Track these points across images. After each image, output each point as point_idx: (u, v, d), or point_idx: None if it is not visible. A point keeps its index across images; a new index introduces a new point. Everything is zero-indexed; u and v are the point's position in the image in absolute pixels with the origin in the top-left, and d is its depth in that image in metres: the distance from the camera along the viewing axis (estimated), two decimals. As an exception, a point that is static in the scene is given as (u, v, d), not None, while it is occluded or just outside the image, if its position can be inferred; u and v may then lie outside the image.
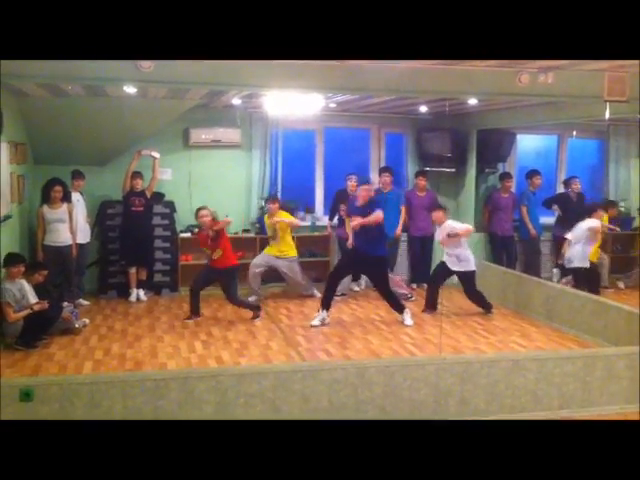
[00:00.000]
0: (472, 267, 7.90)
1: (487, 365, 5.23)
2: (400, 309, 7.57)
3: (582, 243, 8.10)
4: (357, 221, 7.17)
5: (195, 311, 7.73)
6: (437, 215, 8.01)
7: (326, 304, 7.51)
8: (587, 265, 8.13)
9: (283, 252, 8.62)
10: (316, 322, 7.44)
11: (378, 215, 7.15)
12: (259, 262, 8.65)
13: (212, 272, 7.67)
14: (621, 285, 9.41)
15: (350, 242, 7.65)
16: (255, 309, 7.83)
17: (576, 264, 8.15)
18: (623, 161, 10.53)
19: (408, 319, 7.50)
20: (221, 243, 7.56)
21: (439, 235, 8.02)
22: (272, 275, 9.02)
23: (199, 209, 7.67)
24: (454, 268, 7.88)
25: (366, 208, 7.25)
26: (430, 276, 8.42)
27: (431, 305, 8.04)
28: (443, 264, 7.97)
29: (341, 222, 8.93)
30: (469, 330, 7.39)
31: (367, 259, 7.36)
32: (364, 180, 7.83)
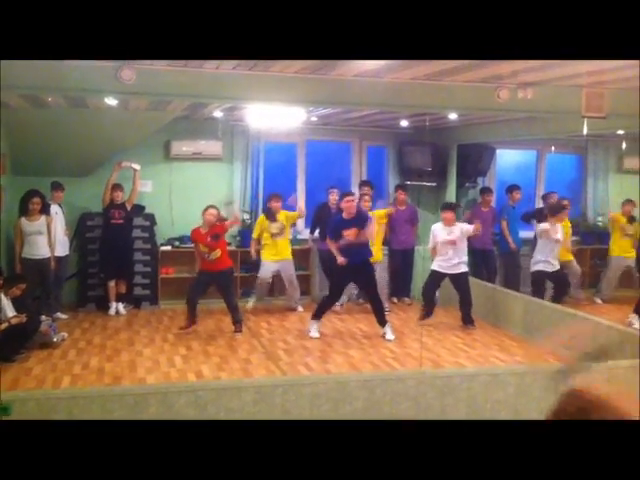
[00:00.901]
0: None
1: (467, 379, 5.23)
2: (383, 322, 7.52)
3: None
4: (360, 234, 7.23)
5: (193, 321, 7.69)
6: (449, 216, 7.88)
7: (318, 315, 7.62)
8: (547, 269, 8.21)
9: (284, 254, 8.63)
10: (315, 333, 7.54)
11: (372, 224, 7.45)
12: (267, 274, 8.61)
13: (209, 276, 7.56)
14: (598, 300, 9.44)
15: (342, 260, 7.31)
16: (239, 323, 7.73)
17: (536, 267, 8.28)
18: (601, 176, 10.66)
19: (390, 333, 7.47)
20: (221, 243, 7.57)
21: (448, 236, 7.82)
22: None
23: (208, 207, 7.65)
24: (454, 272, 7.87)
25: (357, 219, 7.28)
26: (427, 287, 8.17)
27: (430, 312, 8.08)
28: (436, 272, 7.96)
29: (323, 236, 8.89)
30: (449, 344, 7.41)
31: (361, 266, 7.35)
32: (347, 192, 7.78)
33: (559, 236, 8.11)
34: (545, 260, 8.13)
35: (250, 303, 8.58)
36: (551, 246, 8.09)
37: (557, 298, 8.11)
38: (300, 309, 8.79)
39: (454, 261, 7.85)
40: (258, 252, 8.74)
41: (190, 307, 7.66)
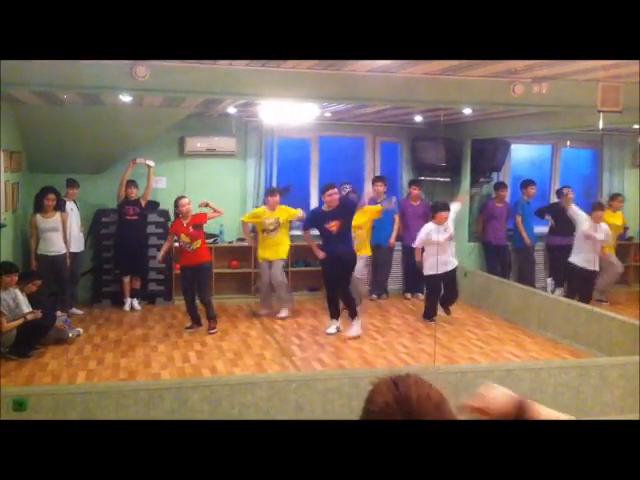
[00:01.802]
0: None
1: (481, 375, 5.22)
2: (354, 314, 7.37)
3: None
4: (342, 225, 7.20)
5: (196, 320, 7.63)
6: (445, 215, 7.75)
7: (334, 314, 7.53)
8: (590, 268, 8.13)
9: (279, 253, 8.24)
10: (332, 330, 7.49)
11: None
12: (266, 277, 8.27)
13: (191, 271, 7.50)
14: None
15: (321, 254, 7.43)
16: (212, 319, 7.59)
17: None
18: (616, 171, 10.57)
19: (356, 328, 7.36)
20: (202, 233, 7.59)
21: (445, 233, 7.72)
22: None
23: (179, 197, 7.66)
24: (449, 268, 7.81)
25: (339, 211, 7.22)
26: (432, 289, 8.05)
27: (433, 314, 7.93)
28: (434, 277, 7.77)
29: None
30: (463, 340, 7.39)
31: (343, 258, 7.28)
32: (327, 187, 7.40)
33: (601, 236, 8.09)
34: (580, 253, 8.13)
35: (263, 310, 8.39)
36: (590, 244, 8.06)
37: (583, 298, 7.98)
38: (283, 314, 8.29)
39: (449, 258, 7.81)
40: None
41: (190, 307, 7.60)
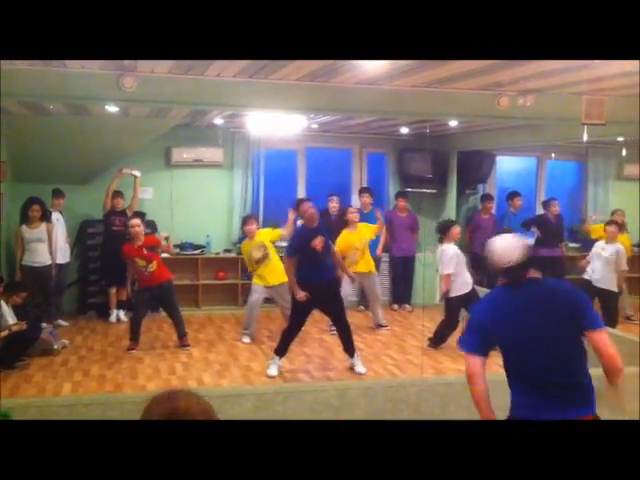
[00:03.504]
0: None
1: (469, 386, 5.22)
2: (352, 351, 6.48)
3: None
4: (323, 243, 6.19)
5: (136, 341, 7.21)
6: (457, 232, 7.29)
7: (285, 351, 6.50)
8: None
9: (278, 278, 7.47)
10: (274, 371, 6.36)
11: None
12: (259, 299, 7.72)
13: (149, 292, 7.24)
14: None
15: (301, 295, 6.15)
16: (184, 337, 7.36)
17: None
18: (602, 182, 10.67)
19: (360, 365, 6.42)
20: (156, 255, 7.32)
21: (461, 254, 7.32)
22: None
23: (130, 217, 7.47)
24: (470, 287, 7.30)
25: (321, 227, 6.38)
26: (455, 317, 7.22)
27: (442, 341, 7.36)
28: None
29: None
30: (451, 351, 7.39)
31: (325, 286, 6.26)
32: (300, 201, 6.76)
33: (605, 254, 7.77)
34: (592, 271, 7.87)
35: (246, 338, 7.70)
36: (599, 263, 7.81)
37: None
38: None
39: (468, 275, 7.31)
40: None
41: (135, 327, 7.23)
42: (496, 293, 3.38)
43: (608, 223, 8.11)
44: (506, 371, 3.28)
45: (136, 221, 7.31)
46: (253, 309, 7.71)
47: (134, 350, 7.11)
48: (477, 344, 3.19)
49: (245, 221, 7.86)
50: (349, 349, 6.47)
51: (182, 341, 7.36)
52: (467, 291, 7.13)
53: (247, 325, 7.78)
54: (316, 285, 6.17)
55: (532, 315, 3.12)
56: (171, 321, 7.48)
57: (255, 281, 7.74)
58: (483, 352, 3.18)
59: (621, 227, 8.54)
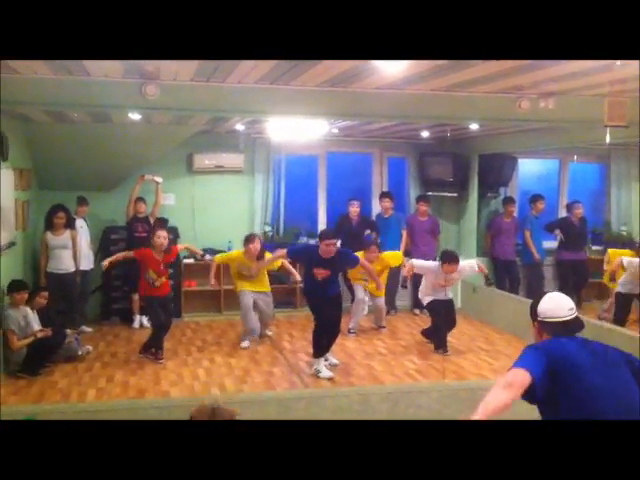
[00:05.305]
0: None
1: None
2: (328, 350, 6.78)
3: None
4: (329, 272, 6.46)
5: (162, 348, 7.20)
6: (452, 269, 7.28)
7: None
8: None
9: (263, 287, 7.91)
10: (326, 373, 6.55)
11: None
12: (250, 302, 7.79)
13: (158, 300, 7.14)
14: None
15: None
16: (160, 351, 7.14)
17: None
18: (625, 185, 10.55)
19: (326, 369, 6.59)
20: (167, 272, 7.26)
21: (449, 282, 7.41)
22: (281, 300, 9.07)
23: (158, 228, 7.29)
24: (448, 297, 7.58)
25: (334, 262, 6.53)
26: (439, 316, 7.50)
27: (444, 344, 7.47)
28: (434, 301, 7.47)
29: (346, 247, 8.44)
30: (473, 356, 7.37)
31: (332, 299, 6.64)
32: (326, 236, 6.57)
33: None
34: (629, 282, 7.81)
35: (245, 342, 7.72)
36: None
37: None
38: (269, 333, 8.17)
39: (447, 290, 7.56)
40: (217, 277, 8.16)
41: (163, 335, 7.24)
42: (552, 341, 2.99)
43: None
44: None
45: (163, 233, 7.13)
46: (247, 312, 7.75)
47: (162, 360, 7.03)
48: (535, 363, 2.78)
49: (250, 239, 7.82)
50: (326, 349, 6.71)
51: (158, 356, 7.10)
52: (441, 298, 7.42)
53: (245, 329, 7.83)
54: (320, 299, 6.60)
55: (600, 363, 2.86)
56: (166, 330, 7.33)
57: (243, 286, 7.82)
58: (534, 370, 2.73)
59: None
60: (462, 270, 7.46)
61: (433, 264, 7.60)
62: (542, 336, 3.03)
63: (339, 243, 8.98)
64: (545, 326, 3.01)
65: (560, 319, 3.00)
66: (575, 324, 3.03)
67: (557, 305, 3.05)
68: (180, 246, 7.73)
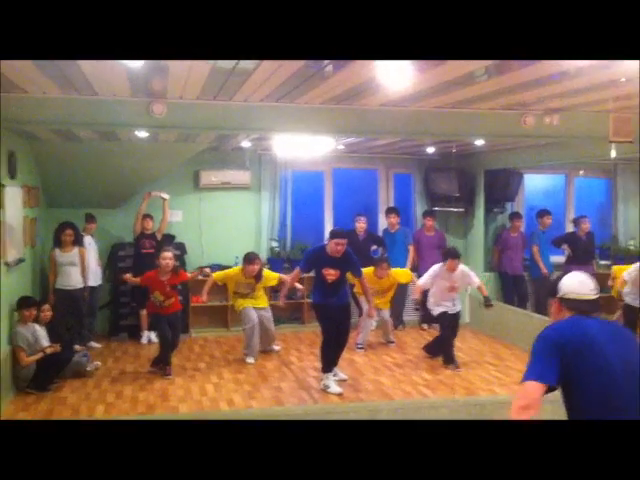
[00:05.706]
0: None
1: (500, 407, 5.19)
2: (335, 364, 6.80)
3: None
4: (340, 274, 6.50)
5: (169, 363, 7.24)
6: (454, 264, 7.43)
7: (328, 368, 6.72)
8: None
9: (262, 303, 7.99)
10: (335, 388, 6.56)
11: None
12: (255, 318, 7.80)
13: (165, 318, 7.15)
14: None
15: (283, 301, 7.06)
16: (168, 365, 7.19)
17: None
18: (631, 199, 10.55)
19: (334, 385, 6.60)
20: (175, 293, 7.27)
21: (454, 282, 7.50)
22: (286, 316, 9.09)
23: (165, 249, 7.29)
24: (457, 309, 7.67)
25: (343, 261, 6.54)
26: (449, 330, 7.56)
27: (453, 358, 7.52)
28: (445, 313, 7.54)
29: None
30: (482, 371, 7.35)
31: (342, 308, 6.68)
32: (338, 235, 6.54)
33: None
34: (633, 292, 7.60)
35: (251, 359, 7.73)
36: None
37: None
38: (276, 348, 8.22)
39: (451, 303, 7.65)
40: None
41: (171, 350, 7.27)
42: (572, 319, 2.96)
43: None
44: (577, 409, 2.94)
45: (168, 254, 7.14)
46: (255, 328, 7.76)
47: (170, 375, 7.08)
48: (546, 372, 2.81)
49: (251, 260, 7.83)
50: (334, 363, 6.74)
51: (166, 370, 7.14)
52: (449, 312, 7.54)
53: (247, 345, 7.82)
54: (330, 306, 6.57)
55: (620, 340, 2.89)
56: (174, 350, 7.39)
57: (245, 304, 7.85)
58: (547, 379, 2.76)
59: None
60: (468, 275, 7.59)
61: (436, 267, 7.62)
62: (561, 313, 3.01)
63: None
64: (568, 303, 2.99)
65: (584, 297, 2.99)
66: (596, 304, 3.02)
67: (582, 283, 3.03)
68: (189, 275, 7.70)
